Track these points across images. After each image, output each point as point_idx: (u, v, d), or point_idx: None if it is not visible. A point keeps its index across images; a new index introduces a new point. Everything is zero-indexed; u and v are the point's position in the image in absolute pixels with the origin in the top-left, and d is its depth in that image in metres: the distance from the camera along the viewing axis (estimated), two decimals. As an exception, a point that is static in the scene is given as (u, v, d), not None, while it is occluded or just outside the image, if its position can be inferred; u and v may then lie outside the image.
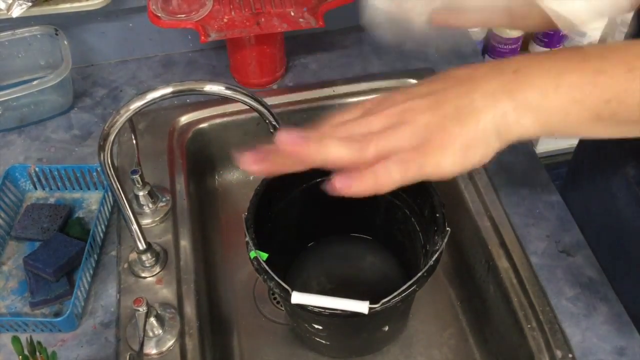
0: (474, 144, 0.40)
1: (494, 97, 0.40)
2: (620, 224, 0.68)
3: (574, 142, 0.85)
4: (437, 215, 0.62)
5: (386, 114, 0.42)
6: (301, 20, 0.83)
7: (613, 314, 0.66)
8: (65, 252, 0.71)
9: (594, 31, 1.44)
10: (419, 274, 0.57)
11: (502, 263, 0.71)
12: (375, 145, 0.41)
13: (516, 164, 0.81)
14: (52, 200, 0.80)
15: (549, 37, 1.45)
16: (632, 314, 0.66)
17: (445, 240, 0.59)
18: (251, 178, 0.95)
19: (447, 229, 0.60)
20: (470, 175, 0.80)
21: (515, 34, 1.40)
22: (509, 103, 0.40)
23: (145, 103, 0.54)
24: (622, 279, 0.69)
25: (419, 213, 0.68)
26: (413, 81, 0.93)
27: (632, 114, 0.40)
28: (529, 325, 0.66)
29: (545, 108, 0.40)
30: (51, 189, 0.81)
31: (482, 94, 0.41)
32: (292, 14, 0.84)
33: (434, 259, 0.58)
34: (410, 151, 0.40)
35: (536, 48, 1.49)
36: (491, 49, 1.45)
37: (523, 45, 1.49)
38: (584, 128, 0.42)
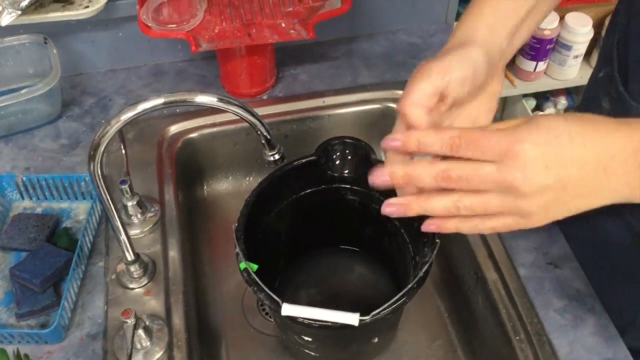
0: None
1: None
2: (603, 238, 0.68)
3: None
4: (427, 227, 0.62)
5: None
6: (292, 31, 0.83)
7: (600, 326, 0.67)
8: (52, 262, 0.70)
9: (580, 44, 1.46)
10: (409, 286, 0.57)
11: (491, 275, 0.72)
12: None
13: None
14: (39, 210, 0.80)
15: (535, 50, 1.46)
16: (617, 325, 0.67)
17: (435, 252, 0.59)
18: (240, 188, 0.95)
19: (437, 240, 0.60)
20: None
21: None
22: None
23: (137, 113, 0.54)
24: (606, 291, 0.70)
25: (408, 225, 0.68)
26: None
27: None
28: (517, 337, 0.67)
29: None
30: (38, 199, 0.80)
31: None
32: (283, 25, 0.84)
33: (423, 270, 0.58)
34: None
35: (523, 62, 1.50)
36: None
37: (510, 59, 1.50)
38: None
